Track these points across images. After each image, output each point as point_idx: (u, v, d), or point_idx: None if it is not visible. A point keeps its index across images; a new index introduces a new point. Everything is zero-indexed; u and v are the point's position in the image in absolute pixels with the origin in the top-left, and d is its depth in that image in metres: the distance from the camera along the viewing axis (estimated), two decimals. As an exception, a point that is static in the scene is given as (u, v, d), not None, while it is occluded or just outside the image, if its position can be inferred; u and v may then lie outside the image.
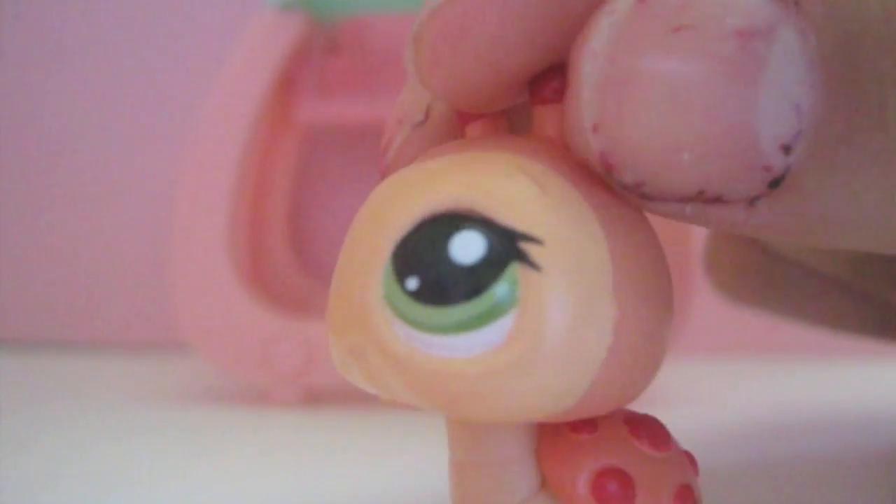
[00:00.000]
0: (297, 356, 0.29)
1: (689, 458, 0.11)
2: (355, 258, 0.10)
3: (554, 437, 0.11)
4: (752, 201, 0.09)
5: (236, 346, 0.30)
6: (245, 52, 0.31)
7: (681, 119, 0.09)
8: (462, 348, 0.09)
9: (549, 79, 0.11)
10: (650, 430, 0.11)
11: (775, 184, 0.09)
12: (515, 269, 0.09)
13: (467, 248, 0.09)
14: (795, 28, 0.09)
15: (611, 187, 0.10)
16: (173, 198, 0.31)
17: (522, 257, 0.09)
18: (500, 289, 0.09)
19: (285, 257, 0.36)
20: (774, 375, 0.34)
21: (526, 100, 0.11)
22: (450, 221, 0.10)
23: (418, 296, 0.09)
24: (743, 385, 0.33)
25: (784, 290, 0.22)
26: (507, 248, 0.09)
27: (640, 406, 0.11)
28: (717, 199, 0.09)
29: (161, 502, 0.20)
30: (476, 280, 0.09)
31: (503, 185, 0.10)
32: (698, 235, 0.25)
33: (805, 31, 0.09)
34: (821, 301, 0.21)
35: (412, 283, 0.10)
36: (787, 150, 0.09)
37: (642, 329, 0.10)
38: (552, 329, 0.09)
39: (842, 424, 0.26)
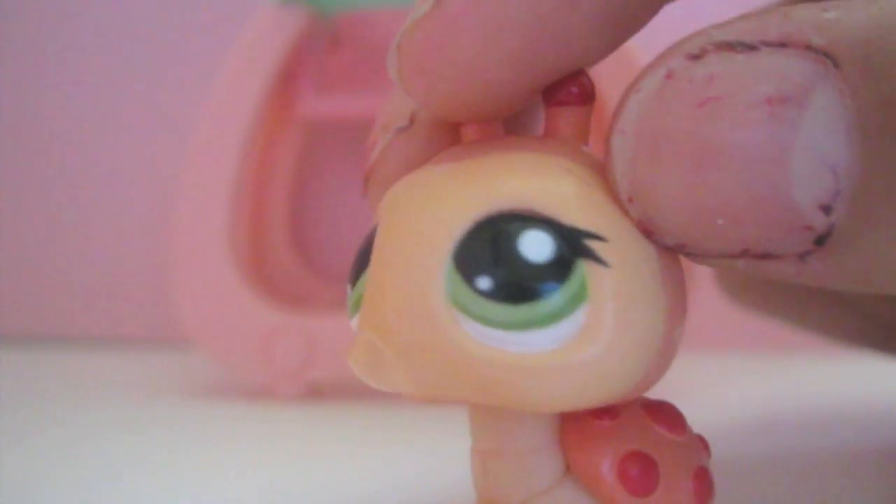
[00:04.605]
0: (299, 351, 0.29)
1: (702, 442, 0.12)
2: (407, 258, 0.10)
3: (577, 423, 0.11)
4: (802, 256, 0.09)
5: (237, 342, 0.30)
6: (245, 47, 0.31)
7: (710, 187, 0.09)
8: (539, 343, 0.10)
9: (563, 82, 0.11)
10: (667, 414, 0.12)
11: (821, 241, 0.09)
12: (583, 266, 0.10)
13: (537, 246, 0.10)
14: (833, 90, 0.09)
15: None
16: (174, 193, 0.31)
17: (590, 254, 0.10)
18: (573, 285, 0.10)
19: (286, 252, 0.36)
20: (772, 370, 0.34)
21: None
22: (513, 221, 0.10)
23: (492, 294, 0.10)
24: (740, 380, 0.33)
25: (792, 298, 0.22)
26: (575, 245, 0.10)
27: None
28: (766, 256, 0.10)
29: (162, 498, 0.20)
30: (550, 277, 0.10)
31: (557, 185, 0.10)
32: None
33: (843, 93, 0.09)
34: (827, 313, 0.21)
35: (484, 282, 0.10)
36: (826, 209, 0.09)
37: (679, 317, 0.11)
38: (623, 321, 0.10)
39: (841, 420, 0.26)
